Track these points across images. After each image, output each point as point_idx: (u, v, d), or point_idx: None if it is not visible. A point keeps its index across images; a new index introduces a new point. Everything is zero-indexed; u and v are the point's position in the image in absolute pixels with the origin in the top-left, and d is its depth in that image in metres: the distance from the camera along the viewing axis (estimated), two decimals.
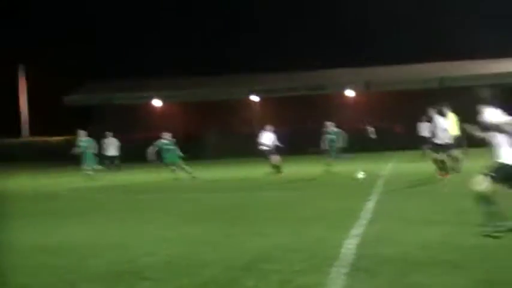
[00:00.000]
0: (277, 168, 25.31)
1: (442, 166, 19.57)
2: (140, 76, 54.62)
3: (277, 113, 47.18)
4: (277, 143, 26.55)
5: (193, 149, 43.74)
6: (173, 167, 25.54)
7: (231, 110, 49.91)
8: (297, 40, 67.03)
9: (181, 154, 25.90)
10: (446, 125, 20.05)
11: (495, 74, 46.64)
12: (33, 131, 57.37)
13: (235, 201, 16.80)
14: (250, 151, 30.40)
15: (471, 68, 49.87)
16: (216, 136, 48.05)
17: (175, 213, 14.64)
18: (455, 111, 22.55)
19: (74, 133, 51.46)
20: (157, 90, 51.22)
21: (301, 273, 7.56)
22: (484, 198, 9.30)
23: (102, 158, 31.67)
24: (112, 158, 34.33)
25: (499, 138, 9.42)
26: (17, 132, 57.72)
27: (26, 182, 28.49)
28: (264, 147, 25.97)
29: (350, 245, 9.09)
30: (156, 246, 9.87)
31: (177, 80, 53.55)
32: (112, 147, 34.69)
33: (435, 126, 20.24)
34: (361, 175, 20.37)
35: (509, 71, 47.02)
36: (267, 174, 25.06)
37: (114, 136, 34.88)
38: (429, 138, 21.16)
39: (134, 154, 32.98)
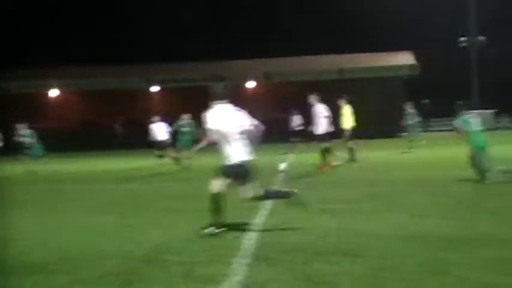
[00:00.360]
0: (175, 159, 24.41)
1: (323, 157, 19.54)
2: (37, 65, 53.04)
3: (178, 104, 47.01)
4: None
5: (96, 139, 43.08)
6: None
7: (131, 100, 49.36)
8: (199, 30, 66.72)
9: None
10: (326, 114, 19.66)
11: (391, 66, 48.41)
12: None
13: (133, 192, 16.63)
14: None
15: (368, 60, 51.44)
16: (121, 126, 47.67)
17: (72, 203, 14.35)
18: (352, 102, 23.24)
19: None
20: (55, 79, 50.02)
21: (202, 264, 7.51)
22: (215, 198, 9.32)
23: None
24: None
25: (224, 137, 9.32)
26: None
27: None
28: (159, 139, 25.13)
29: (251, 235, 9.11)
30: (49, 238, 9.62)
31: (75, 69, 52.35)
32: None
33: (315, 115, 19.75)
34: (282, 166, 20.01)
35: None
36: (160, 165, 24.46)
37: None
38: (303, 129, 21.05)
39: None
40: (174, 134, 25.93)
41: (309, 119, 20.97)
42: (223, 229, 9.27)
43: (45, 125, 41.59)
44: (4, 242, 9.35)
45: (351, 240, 8.57)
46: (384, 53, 52.46)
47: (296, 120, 34.22)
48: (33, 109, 47.24)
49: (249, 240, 8.80)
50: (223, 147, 9.27)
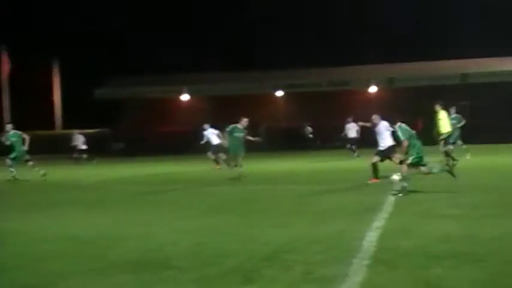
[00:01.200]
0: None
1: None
2: (169, 71, 54.78)
3: (301, 108, 47.27)
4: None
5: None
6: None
7: (256, 105, 49.96)
8: (323, 37, 66.59)
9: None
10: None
11: None
12: (65, 124, 57.66)
13: (256, 194, 16.79)
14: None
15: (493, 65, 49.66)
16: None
17: (196, 204, 14.69)
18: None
19: (104, 126, 52.25)
20: (185, 84, 51.38)
21: (322, 264, 7.51)
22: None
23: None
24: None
25: None
26: (51, 125, 58.17)
27: (57, 173, 28.62)
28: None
29: (371, 238, 9.03)
30: (179, 236, 9.88)
31: (204, 75, 53.59)
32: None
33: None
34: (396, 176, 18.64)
35: None
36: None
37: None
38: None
39: (164, 147, 33.14)
40: None
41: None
42: None
43: (174, 129, 42.76)
44: (140, 239, 9.79)
45: (473, 245, 8.32)
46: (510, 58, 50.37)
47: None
48: (165, 112, 48.86)
49: (369, 242, 8.71)
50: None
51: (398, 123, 15.41)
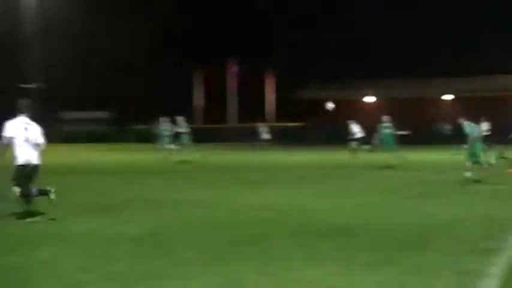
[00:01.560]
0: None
1: None
2: (355, 77, 54.57)
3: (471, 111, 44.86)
4: None
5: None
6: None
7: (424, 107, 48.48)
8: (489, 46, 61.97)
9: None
10: None
11: None
12: (277, 118, 59.03)
13: (418, 179, 15.82)
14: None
15: None
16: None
17: (378, 185, 14.42)
18: None
19: (304, 121, 52.96)
20: (370, 89, 51.17)
21: (482, 238, 7.22)
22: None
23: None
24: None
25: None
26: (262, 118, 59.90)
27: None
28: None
29: None
30: (361, 211, 9.89)
31: (388, 81, 52.83)
32: None
33: None
34: None
35: None
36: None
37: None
38: None
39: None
40: None
41: None
42: None
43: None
44: (331, 210, 9.85)
45: None
46: None
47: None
48: (350, 111, 48.73)
49: None
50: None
51: None
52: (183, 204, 10.61)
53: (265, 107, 59.53)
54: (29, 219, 8.57)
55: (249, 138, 40.48)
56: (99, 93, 57.68)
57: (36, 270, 5.79)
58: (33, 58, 40.56)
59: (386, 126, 20.60)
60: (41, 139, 8.91)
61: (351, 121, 26.10)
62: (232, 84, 57.95)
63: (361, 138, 25.15)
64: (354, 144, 25.03)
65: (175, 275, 5.60)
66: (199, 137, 31.56)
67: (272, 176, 17.29)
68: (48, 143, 9.09)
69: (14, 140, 8.72)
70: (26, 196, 8.73)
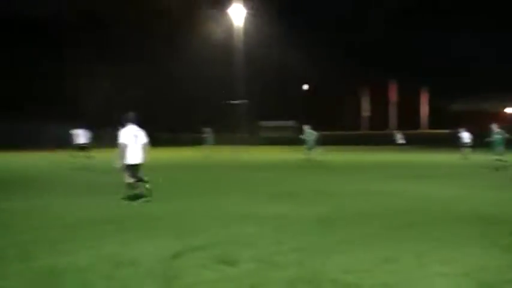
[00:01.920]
0: None
1: None
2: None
3: None
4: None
5: None
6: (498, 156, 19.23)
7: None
8: None
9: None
10: None
11: None
12: (430, 126, 56.44)
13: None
14: None
15: None
16: None
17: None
18: None
19: (451, 128, 49.43)
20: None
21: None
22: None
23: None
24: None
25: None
26: (416, 126, 57.14)
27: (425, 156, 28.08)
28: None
29: None
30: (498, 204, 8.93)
31: None
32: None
33: None
34: None
35: None
36: None
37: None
38: None
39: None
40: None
41: None
42: None
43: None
44: (471, 199, 9.15)
45: None
46: None
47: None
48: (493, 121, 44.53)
49: None
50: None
51: None
52: (361, 194, 10.55)
53: (420, 117, 57.58)
54: (139, 201, 9.16)
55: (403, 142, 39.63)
56: (288, 106, 61.48)
57: (242, 242, 6.16)
58: (239, 81, 43.05)
59: (497, 133, 19.98)
60: (146, 142, 9.25)
61: (461, 129, 25.58)
62: (392, 97, 56.66)
63: (470, 143, 25.15)
64: (464, 149, 25.08)
65: (341, 251, 5.66)
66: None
67: (444, 172, 16.94)
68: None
69: (126, 144, 9.05)
70: (139, 181, 9.28)
